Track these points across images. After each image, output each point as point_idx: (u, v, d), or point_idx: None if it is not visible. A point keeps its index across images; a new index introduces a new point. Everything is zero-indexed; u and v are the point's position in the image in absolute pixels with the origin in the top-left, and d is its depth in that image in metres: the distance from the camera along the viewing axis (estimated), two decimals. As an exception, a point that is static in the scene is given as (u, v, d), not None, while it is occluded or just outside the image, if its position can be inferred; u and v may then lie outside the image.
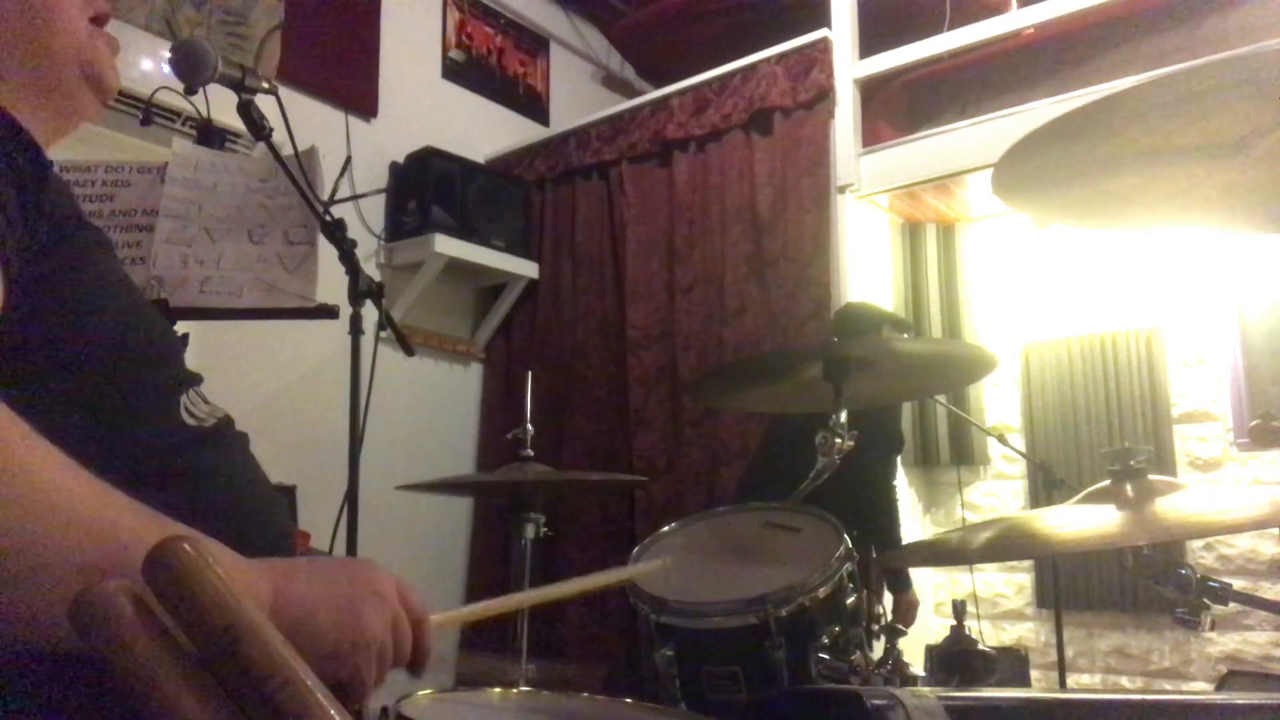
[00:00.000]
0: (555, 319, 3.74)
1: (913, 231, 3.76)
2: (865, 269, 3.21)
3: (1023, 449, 3.42)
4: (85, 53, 0.87)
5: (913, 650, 1.70)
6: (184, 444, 0.79)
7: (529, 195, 3.87)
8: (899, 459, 2.99)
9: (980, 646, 1.82)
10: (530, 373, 2.36)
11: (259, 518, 0.84)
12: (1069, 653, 3.12)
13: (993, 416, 3.71)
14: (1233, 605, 1.41)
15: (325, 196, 2.07)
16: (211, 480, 0.80)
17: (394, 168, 3.64)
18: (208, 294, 1.89)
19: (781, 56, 3.26)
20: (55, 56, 0.85)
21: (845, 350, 1.65)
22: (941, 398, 3.33)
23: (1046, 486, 2.76)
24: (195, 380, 0.86)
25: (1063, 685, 2.64)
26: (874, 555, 2.55)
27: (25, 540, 0.53)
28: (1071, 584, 3.34)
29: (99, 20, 0.90)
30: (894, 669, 1.38)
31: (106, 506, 0.58)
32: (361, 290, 1.95)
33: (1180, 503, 1.33)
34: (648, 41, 4.51)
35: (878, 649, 1.49)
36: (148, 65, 2.72)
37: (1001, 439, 3.04)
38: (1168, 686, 3.28)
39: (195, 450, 0.79)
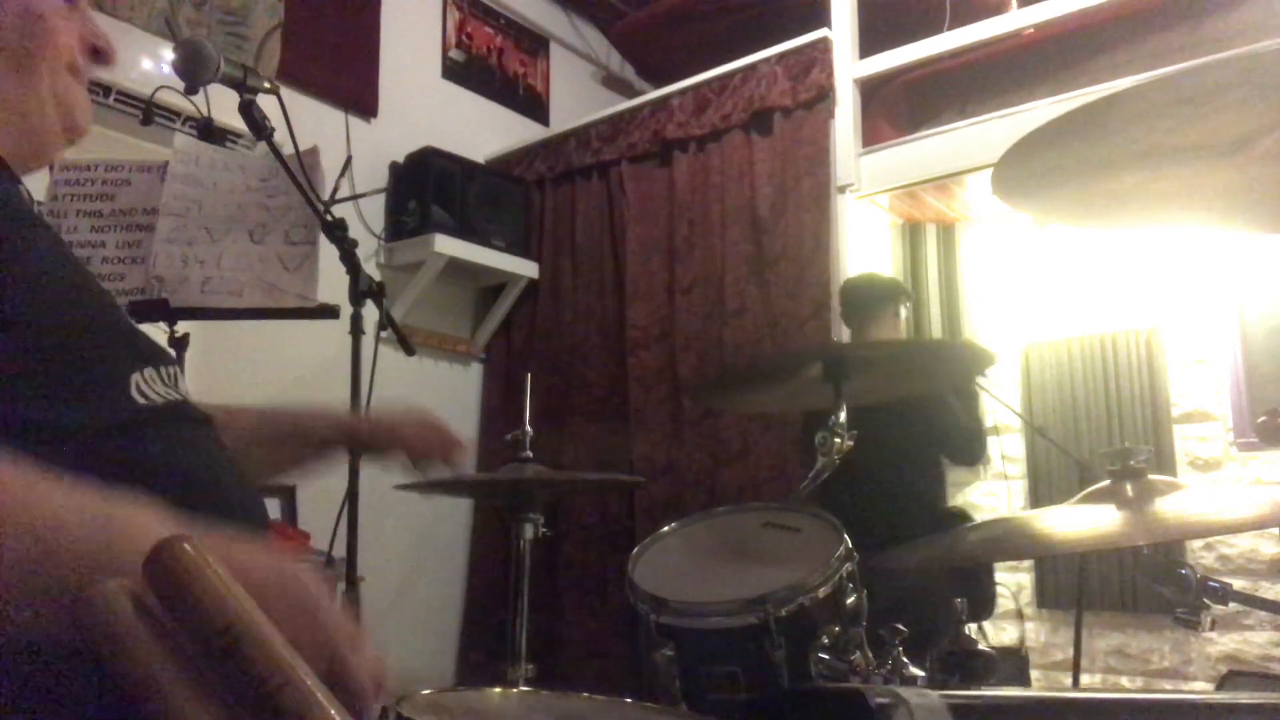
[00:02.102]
0: (555, 319, 3.74)
1: (913, 231, 3.76)
2: (865, 269, 3.21)
3: (1022, 449, 3.42)
4: (64, 96, 0.86)
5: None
6: (117, 426, 0.73)
7: (529, 195, 3.87)
8: None
9: (980, 646, 1.81)
10: (530, 373, 2.36)
11: (214, 511, 0.73)
12: (1069, 653, 3.11)
13: (993, 417, 3.71)
14: (1233, 605, 1.41)
15: (326, 196, 2.07)
16: (153, 466, 0.73)
17: (394, 168, 3.64)
18: (208, 294, 1.89)
19: (781, 56, 3.26)
20: (40, 104, 0.83)
21: (844, 350, 1.65)
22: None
23: (1082, 483, 2.75)
24: (157, 360, 0.80)
25: (1076, 685, 2.63)
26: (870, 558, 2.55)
27: None
28: (1071, 584, 3.34)
29: (101, 56, 0.89)
30: (894, 669, 1.38)
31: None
32: (362, 290, 1.95)
33: (1180, 503, 1.33)
34: (648, 41, 4.51)
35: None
36: (148, 65, 2.72)
37: (1040, 432, 3.03)
38: (1168, 686, 3.28)
39: (134, 432, 0.74)
